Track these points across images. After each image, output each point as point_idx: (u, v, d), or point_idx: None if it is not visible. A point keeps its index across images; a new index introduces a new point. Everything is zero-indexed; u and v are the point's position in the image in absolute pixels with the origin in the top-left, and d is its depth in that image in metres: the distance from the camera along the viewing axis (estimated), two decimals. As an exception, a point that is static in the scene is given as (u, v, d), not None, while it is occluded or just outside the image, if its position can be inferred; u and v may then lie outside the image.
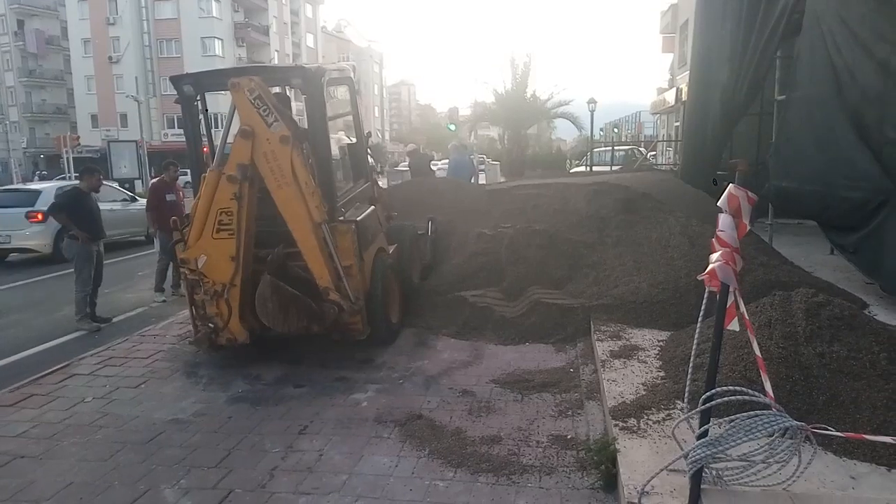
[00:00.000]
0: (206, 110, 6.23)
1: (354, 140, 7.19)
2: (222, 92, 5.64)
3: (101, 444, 4.29)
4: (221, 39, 51.52)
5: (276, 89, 6.32)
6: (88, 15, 51.17)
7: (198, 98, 5.99)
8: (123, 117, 50.37)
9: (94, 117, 53.14)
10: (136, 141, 31.37)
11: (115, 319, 7.82)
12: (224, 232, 5.29)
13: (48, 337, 7.22)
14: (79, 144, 34.46)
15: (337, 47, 70.11)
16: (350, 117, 7.16)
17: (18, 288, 10.33)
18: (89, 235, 7.38)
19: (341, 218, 5.71)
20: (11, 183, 37.49)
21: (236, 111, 5.27)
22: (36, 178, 43.83)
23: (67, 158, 28.98)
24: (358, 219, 5.87)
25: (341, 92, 7.19)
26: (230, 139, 5.53)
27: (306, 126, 5.71)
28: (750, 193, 2.91)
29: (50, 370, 5.77)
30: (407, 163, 16.67)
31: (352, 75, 6.82)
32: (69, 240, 7.44)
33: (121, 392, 5.24)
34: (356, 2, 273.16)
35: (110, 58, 50.72)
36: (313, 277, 5.34)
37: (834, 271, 7.45)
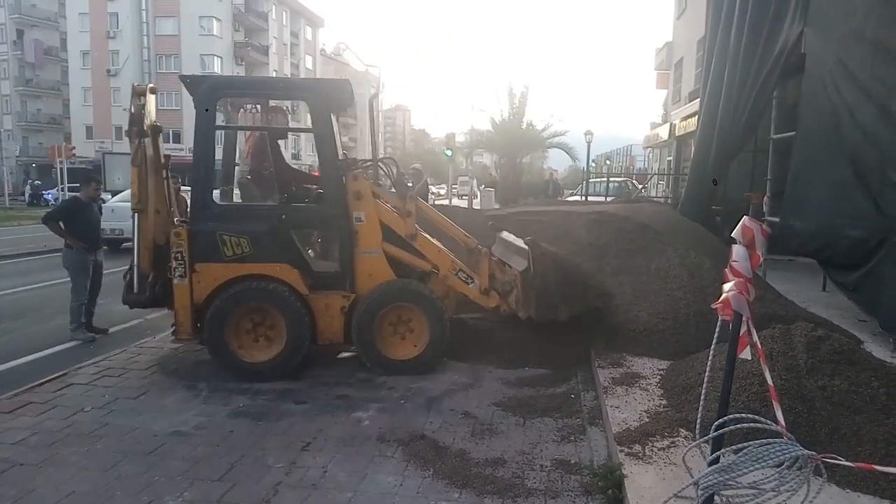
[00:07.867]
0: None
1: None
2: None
3: (102, 453, 4.25)
4: (221, 57, 51.74)
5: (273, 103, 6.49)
6: (89, 28, 51.32)
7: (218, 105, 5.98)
8: (119, 130, 50.06)
9: (88, 128, 52.98)
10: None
11: (110, 330, 7.76)
12: None
13: (43, 346, 7.14)
14: (74, 155, 34.34)
15: (335, 70, 70.52)
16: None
17: (14, 295, 10.25)
18: (84, 245, 7.36)
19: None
20: (2, 191, 37.38)
21: None
22: (28, 187, 43.53)
23: (61, 169, 28.89)
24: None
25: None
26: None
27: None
28: (764, 226, 2.99)
29: (47, 378, 5.71)
30: (410, 183, 16.41)
31: (288, 111, 6.49)
32: (66, 249, 7.41)
33: (120, 402, 5.20)
34: (355, 27, 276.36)
35: (109, 71, 50.80)
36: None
37: (827, 308, 7.54)
